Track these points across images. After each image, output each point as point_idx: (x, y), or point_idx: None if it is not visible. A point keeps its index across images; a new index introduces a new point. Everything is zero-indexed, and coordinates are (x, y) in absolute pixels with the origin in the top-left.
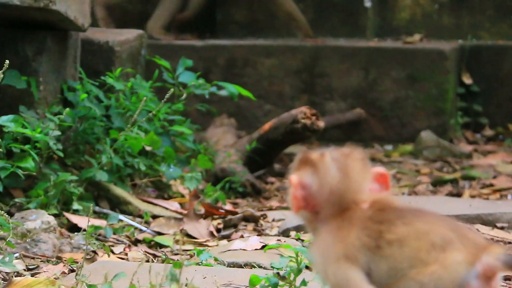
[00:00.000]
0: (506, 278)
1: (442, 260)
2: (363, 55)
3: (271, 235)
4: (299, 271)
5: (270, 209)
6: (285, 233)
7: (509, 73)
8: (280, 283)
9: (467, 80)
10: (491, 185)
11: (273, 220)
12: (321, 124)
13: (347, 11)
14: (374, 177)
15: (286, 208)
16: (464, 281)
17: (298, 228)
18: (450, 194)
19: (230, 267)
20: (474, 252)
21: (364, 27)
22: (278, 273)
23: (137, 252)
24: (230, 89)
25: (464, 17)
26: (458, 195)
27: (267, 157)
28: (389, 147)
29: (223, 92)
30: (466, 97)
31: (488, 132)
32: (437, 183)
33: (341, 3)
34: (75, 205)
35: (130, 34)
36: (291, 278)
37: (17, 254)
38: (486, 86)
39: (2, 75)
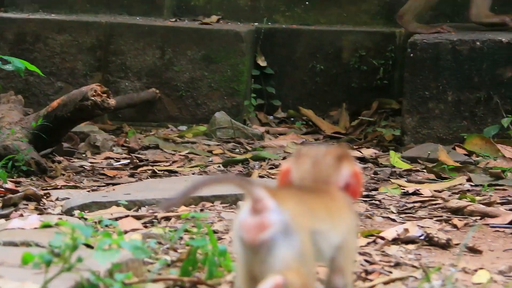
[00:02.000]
0: None
1: None
2: (159, 34)
3: (53, 214)
4: (74, 248)
5: (55, 188)
6: (68, 212)
7: (301, 56)
8: (55, 260)
9: (262, 62)
10: (280, 165)
11: (57, 199)
12: (112, 102)
13: None
14: (351, 174)
15: (72, 187)
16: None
17: (82, 207)
18: (240, 174)
19: (6, 246)
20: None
21: (161, 6)
22: (52, 251)
23: None
24: (16, 63)
25: (260, 0)
26: (248, 175)
27: (55, 135)
28: (183, 128)
29: (8, 67)
30: (260, 79)
31: (281, 114)
32: (228, 164)
33: None
34: None
35: None
36: (66, 254)
37: None
38: (280, 69)
39: None
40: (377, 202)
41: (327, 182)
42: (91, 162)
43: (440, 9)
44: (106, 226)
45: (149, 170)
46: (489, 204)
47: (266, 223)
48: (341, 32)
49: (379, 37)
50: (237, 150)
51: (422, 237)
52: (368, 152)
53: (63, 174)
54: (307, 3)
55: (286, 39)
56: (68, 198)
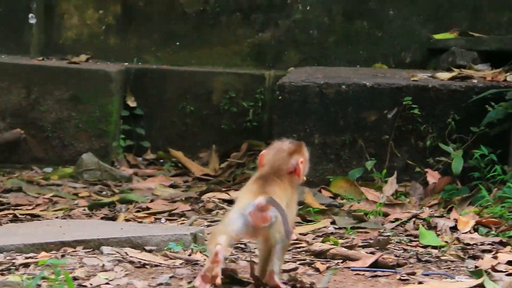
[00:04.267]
0: None
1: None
2: (25, 73)
3: None
4: None
5: None
6: None
7: (171, 97)
8: None
9: (132, 103)
10: (148, 208)
11: None
12: None
13: (9, 26)
14: (297, 163)
15: None
16: (246, 208)
17: None
18: (106, 218)
19: None
20: (256, 195)
21: (28, 44)
22: None
23: None
24: None
25: (130, 40)
26: (113, 219)
27: None
28: (48, 170)
29: None
30: (130, 120)
31: (150, 155)
32: (94, 207)
33: (3, 18)
34: None
35: None
36: None
37: None
38: (150, 109)
39: None
40: (242, 246)
41: (281, 168)
42: None
43: (308, 52)
44: None
45: (10, 214)
46: (351, 247)
47: (268, 218)
48: (211, 73)
49: (249, 79)
50: (104, 193)
51: (286, 281)
52: (236, 194)
53: None
54: (177, 43)
55: (157, 80)
56: None
